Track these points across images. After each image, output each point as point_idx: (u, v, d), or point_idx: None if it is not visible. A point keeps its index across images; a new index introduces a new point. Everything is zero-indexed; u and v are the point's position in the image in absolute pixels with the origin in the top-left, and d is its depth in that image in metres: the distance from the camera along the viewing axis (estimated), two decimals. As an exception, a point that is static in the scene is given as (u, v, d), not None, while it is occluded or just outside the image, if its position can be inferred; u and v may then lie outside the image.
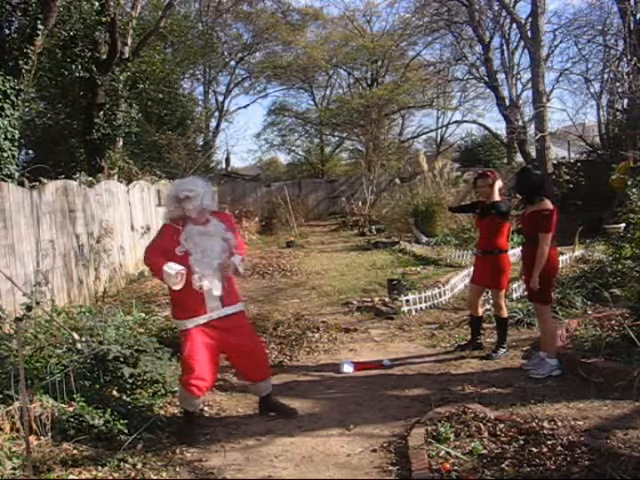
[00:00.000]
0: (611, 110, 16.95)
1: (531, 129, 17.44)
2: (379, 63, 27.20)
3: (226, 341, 4.15)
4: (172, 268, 3.96)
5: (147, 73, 17.04)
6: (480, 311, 5.90)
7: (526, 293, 5.70)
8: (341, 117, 25.98)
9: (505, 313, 5.75)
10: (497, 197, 5.62)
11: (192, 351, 4.06)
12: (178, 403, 4.44)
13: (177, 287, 3.97)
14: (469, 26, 19.69)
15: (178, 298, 4.12)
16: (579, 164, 15.86)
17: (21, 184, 7.63)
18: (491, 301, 6.71)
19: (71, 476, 3.44)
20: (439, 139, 30.26)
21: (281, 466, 3.66)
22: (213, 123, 27.36)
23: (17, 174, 9.16)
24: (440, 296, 7.90)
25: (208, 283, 4.05)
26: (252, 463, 3.72)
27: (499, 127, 32.64)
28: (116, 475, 3.49)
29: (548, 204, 4.97)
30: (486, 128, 25.93)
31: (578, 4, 41.96)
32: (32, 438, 3.60)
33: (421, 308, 7.59)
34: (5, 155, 8.90)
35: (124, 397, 4.55)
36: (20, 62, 9.19)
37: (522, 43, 18.90)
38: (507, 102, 19.19)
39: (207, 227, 4.17)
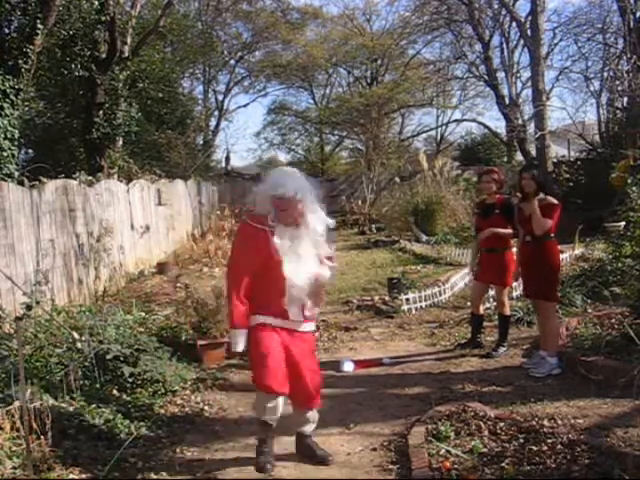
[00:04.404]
0: (611, 108, 16.89)
1: (531, 127, 17.42)
2: (379, 62, 27.21)
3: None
4: (241, 338, 3.45)
5: (147, 72, 17.01)
6: (481, 309, 5.91)
7: (524, 292, 5.68)
8: (341, 116, 25.98)
9: (508, 311, 5.77)
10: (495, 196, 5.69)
11: (265, 345, 3.44)
12: (254, 414, 3.71)
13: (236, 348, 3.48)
14: (469, 24, 19.68)
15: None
16: (579, 162, 15.81)
17: (21, 183, 7.62)
18: (492, 299, 6.74)
19: (71, 475, 3.44)
20: (439, 138, 30.26)
21: (281, 465, 3.65)
22: (213, 122, 27.39)
23: (17, 173, 9.14)
24: (440, 295, 7.90)
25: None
26: (252, 463, 3.71)
27: (499, 125, 32.42)
28: (116, 475, 3.49)
29: (554, 200, 5.04)
30: (486, 127, 25.92)
31: (578, 2, 41.98)
32: (32, 438, 3.59)
33: (421, 307, 7.59)
34: (5, 154, 8.89)
35: (124, 396, 4.55)
36: (20, 61, 9.17)
37: (522, 41, 18.91)
38: (507, 100, 19.18)
39: (299, 229, 3.55)
